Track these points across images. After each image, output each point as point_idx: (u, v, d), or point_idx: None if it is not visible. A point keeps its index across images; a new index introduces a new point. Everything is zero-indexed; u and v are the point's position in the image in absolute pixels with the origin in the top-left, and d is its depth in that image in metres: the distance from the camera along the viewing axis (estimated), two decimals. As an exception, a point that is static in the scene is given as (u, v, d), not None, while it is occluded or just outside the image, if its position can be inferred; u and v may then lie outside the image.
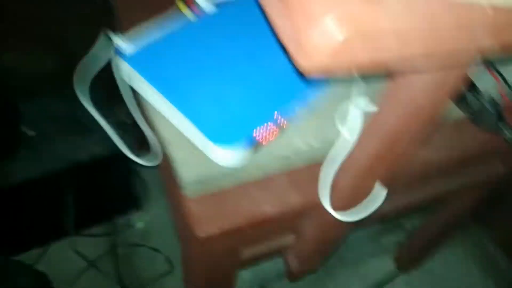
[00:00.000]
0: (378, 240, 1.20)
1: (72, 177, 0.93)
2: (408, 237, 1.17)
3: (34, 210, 0.97)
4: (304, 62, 0.23)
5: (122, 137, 0.64)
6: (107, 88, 0.72)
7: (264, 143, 0.50)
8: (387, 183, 0.50)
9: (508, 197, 1.05)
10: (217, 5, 0.59)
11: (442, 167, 0.59)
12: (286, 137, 0.52)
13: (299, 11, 0.22)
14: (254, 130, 0.47)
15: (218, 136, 0.45)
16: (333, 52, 0.22)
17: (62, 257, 1.03)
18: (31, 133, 0.89)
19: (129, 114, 1.03)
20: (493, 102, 0.54)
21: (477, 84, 0.54)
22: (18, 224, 0.98)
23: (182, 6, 0.60)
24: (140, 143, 0.83)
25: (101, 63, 0.53)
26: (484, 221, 1.18)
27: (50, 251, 1.04)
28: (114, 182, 1.02)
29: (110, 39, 0.54)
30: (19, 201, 0.93)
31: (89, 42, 0.93)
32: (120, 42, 0.54)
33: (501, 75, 0.51)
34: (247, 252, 0.62)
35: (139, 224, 1.13)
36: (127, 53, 0.52)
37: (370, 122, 0.43)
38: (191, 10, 0.59)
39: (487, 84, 0.55)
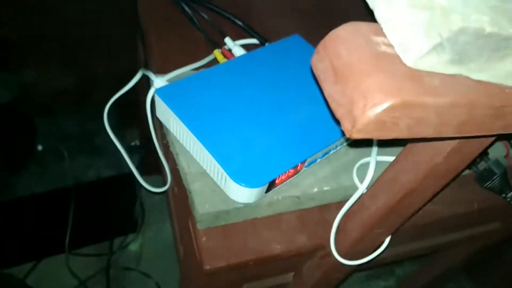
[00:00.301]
0: (368, 283, 1.20)
1: (75, 195, 0.94)
2: (397, 283, 1.18)
3: (33, 224, 0.98)
4: (351, 127, 0.25)
5: (131, 160, 0.66)
6: (121, 112, 0.74)
7: (277, 183, 0.52)
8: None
9: (502, 255, 1.07)
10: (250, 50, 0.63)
11: (445, 221, 0.61)
12: (299, 178, 0.54)
13: (352, 83, 0.24)
14: (277, 178, 0.49)
15: (241, 176, 0.47)
16: (377, 120, 0.24)
17: (54, 274, 1.03)
18: (39, 147, 0.90)
19: (138, 139, 1.05)
20: (499, 164, 0.57)
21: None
22: (15, 237, 0.98)
23: (219, 56, 0.63)
24: (146, 168, 0.84)
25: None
26: (476, 276, 1.20)
27: (41, 266, 1.03)
28: (115, 203, 1.03)
29: (146, 75, 0.57)
30: (20, 214, 0.94)
31: (107, 64, 0.96)
32: (153, 76, 0.56)
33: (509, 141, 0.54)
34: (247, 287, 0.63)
35: (133, 247, 1.13)
36: (159, 86, 0.54)
37: (385, 174, 0.45)
38: (227, 58, 0.62)
39: (495, 146, 0.58)
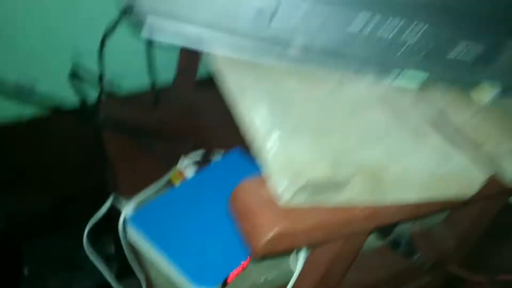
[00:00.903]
0: None
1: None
2: None
3: None
4: (253, 251, 0.39)
5: (110, 270, 0.78)
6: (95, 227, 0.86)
7: (229, 281, 0.65)
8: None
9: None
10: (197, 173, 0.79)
11: (375, 286, 0.74)
12: (246, 273, 0.67)
13: (248, 222, 0.39)
14: (230, 273, 0.63)
15: (199, 279, 0.60)
16: (268, 245, 0.39)
17: None
18: (26, 271, 0.99)
19: (112, 250, 1.15)
20: (403, 234, 0.71)
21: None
22: None
23: (175, 178, 0.78)
24: (125, 271, 0.95)
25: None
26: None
27: None
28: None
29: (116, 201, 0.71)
30: None
31: (80, 189, 1.08)
32: (122, 205, 0.70)
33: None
34: None
35: None
36: (128, 212, 0.68)
37: (310, 257, 0.59)
38: (182, 175, 0.78)
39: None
